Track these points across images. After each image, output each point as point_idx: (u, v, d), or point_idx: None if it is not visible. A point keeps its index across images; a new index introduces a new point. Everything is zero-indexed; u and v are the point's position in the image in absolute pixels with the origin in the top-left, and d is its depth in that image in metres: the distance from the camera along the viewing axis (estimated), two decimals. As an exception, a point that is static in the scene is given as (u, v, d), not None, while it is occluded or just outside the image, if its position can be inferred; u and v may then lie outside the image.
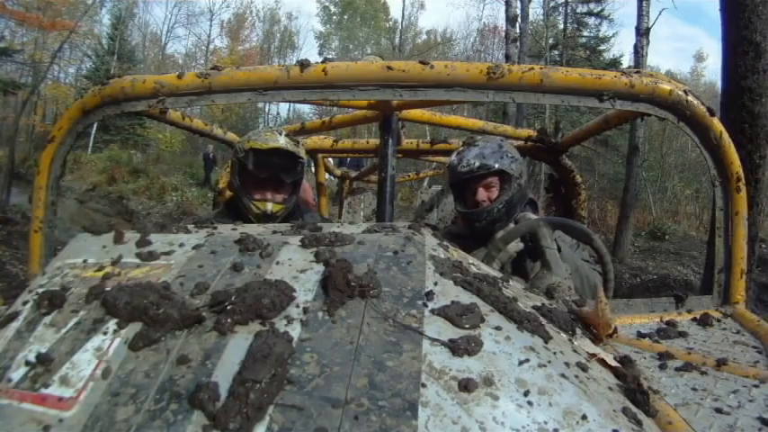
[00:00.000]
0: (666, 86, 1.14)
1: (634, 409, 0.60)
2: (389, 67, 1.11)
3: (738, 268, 1.22)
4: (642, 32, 9.22)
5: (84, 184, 15.85)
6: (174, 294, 0.66)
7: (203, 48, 28.17)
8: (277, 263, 0.73)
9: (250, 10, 29.57)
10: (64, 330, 0.65)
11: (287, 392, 0.52)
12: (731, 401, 0.73)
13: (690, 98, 1.15)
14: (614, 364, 0.71)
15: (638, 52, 9.32)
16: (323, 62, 1.14)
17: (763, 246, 7.62)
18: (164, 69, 21.24)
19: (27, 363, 0.61)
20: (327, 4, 28.92)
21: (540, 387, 0.55)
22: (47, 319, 0.67)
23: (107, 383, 0.56)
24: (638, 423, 0.57)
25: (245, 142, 1.57)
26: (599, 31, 16.50)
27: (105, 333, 0.63)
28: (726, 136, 1.20)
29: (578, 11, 16.41)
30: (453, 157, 1.54)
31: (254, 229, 0.88)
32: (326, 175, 3.41)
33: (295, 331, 0.59)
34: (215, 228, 0.90)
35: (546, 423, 0.51)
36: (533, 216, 1.55)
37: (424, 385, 0.53)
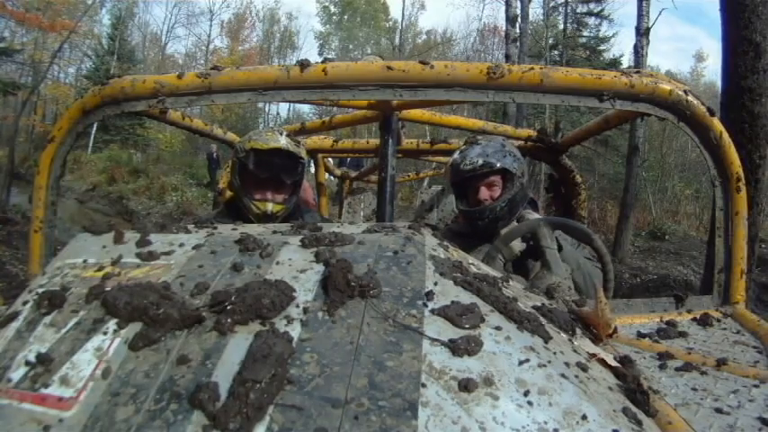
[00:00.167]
0: (666, 86, 1.14)
1: (634, 409, 0.60)
2: (389, 67, 1.12)
3: (738, 268, 1.22)
4: (642, 32, 9.22)
5: (84, 184, 15.86)
6: (174, 294, 0.66)
7: (203, 48, 28.20)
8: (277, 263, 0.73)
9: (250, 10, 29.60)
10: (64, 330, 0.65)
11: (287, 392, 0.52)
12: (731, 401, 0.73)
13: (690, 98, 1.16)
14: (614, 364, 0.71)
15: (638, 52, 9.32)
16: (323, 62, 1.14)
17: (763, 246, 7.62)
18: (164, 69, 21.24)
19: (27, 363, 0.61)
20: (327, 4, 28.94)
21: (540, 387, 0.55)
22: (47, 319, 0.67)
23: (107, 383, 0.56)
24: (638, 423, 0.57)
25: (245, 142, 1.57)
26: (599, 31, 16.52)
27: (105, 333, 0.63)
28: (726, 136, 1.20)
29: (578, 11, 16.41)
30: (456, 156, 1.54)
31: (254, 229, 0.88)
32: (326, 175, 3.41)
33: (295, 331, 0.59)
34: (215, 228, 0.90)
35: (546, 423, 0.51)
36: (535, 215, 1.56)
37: (424, 385, 0.53)
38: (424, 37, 29.08)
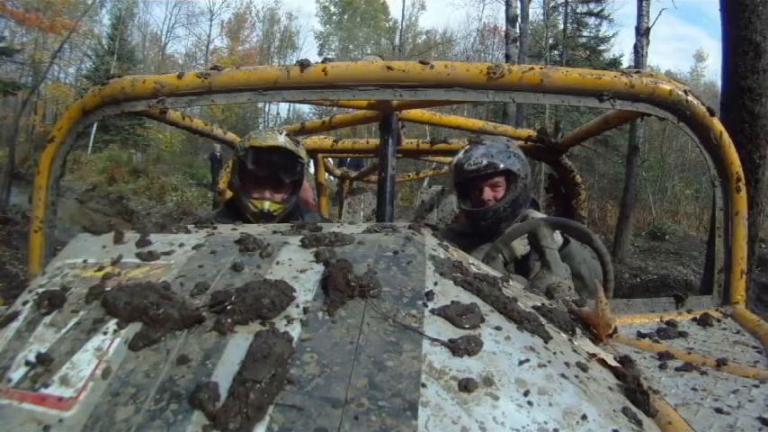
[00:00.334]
0: (666, 86, 1.14)
1: (634, 409, 0.60)
2: (389, 67, 1.11)
3: (738, 268, 1.22)
4: (642, 32, 9.22)
5: (84, 184, 15.87)
6: (174, 294, 0.66)
7: (203, 48, 28.21)
8: (277, 263, 0.73)
9: (250, 10, 29.61)
10: (64, 330, 0.65)
11: (287, 392, 0.52)
12: (731, 401, 0.73)
13: (690, 98, 1.16)
14: (614, 364, 0.71)
15: (638, 52, 9.32)
16: (323, 62, 1.14)
17: (763, 246, 7.63)
18: (164, 69, 21.22)
19: (27, 363, 0.61)
20: (327, 4, 28.94)
21: (540, 387, 0.55)
22: (47, 319, 0.67)
23: (107, 383, 0.56)
24: (638, 423, 0.57)
25: (245, 141, 1.57)
26: (599, 31, 16.51)
27: (105, 333, 0.63)
28: (726, 136, 1.20)
29: (578, 11, 16.40)
30: (460, 156, 1.54)
31: (254, 229, 0.88)
32: (326, 175, 3.41)
33: (295, 331, 0.59)
34: (215, 228, 0.90)
35: (546, 423, 0.51)
36: (539, 215, 1.56)
37: (423, 385, 0.53)
38: (424, 37, 29.10)
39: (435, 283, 0.68)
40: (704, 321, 1.11)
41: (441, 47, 25.91)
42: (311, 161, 3.17)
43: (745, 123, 3.21)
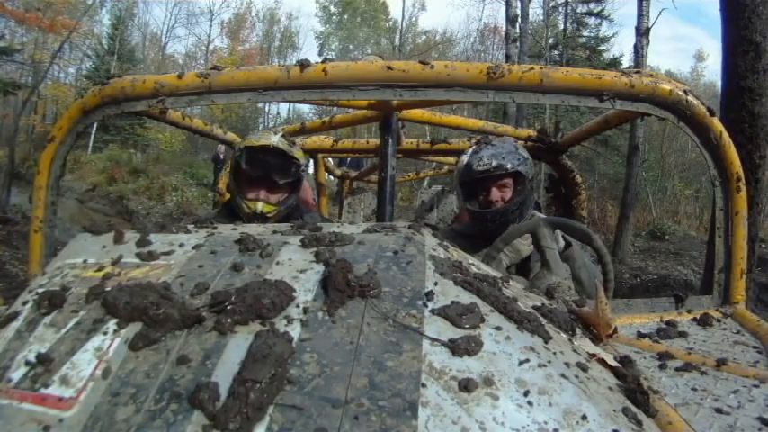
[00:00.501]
0: (666, 86, 1.14)
1: (634, 409, 0.60)
2: (389, 67, 1.11)
3: (738, 268, 1.22)
4: (642, 32, 9.22)
5: (84, 184, 15.86)
6: (174, 294, 0.66)
7: (203, 48, 28.21)
8: (277, 263, 0.73)
9: (250, 10, 29.61)
10: (64, 330, 0.65)
11: (287, 392, 0.52)
12: (731, 401, 0.73)
13: (690, 98, 1.15)
14: (614, 364, 0.71)
15: (638, 52, 9.32)
16: (323, 62, 1.14)
17: (763, 246, 7.63)
18: (164, 69, 21.22)
19: (27, 363, 0.61)
20: (327, 4, 28.95)
21: (540, 387, 0.55)
22: (47, 319, 0.67)
23: (107, 383, 0.56)
24: (638, 423, 0.57)
25: (242, 141, 1.57)
26: (599, 31, 16.51)
27: (105, 333, 0.63)
28: (726, 136, 1.20)
29: (578, 11, 16.40)
30: (468, 156, 1.53)
31: (254, 229, 0.88)
32: (326, 175, 3.41)
33: (295, 331, 0.59)
34: (215, 228, 0.90)
35: (546, 423, 0.51)
36: (541, 215, 1.56)
37: (423, 385, 0.53)
38: (424, 37, 29.11)
39: (435, 283, 0.68)
40: (704, 321, 1.11)
41: (441, 47, 25.92)
42: (311, 161, 3.17)
43: (745, 123, 3.21)
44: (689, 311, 1.18)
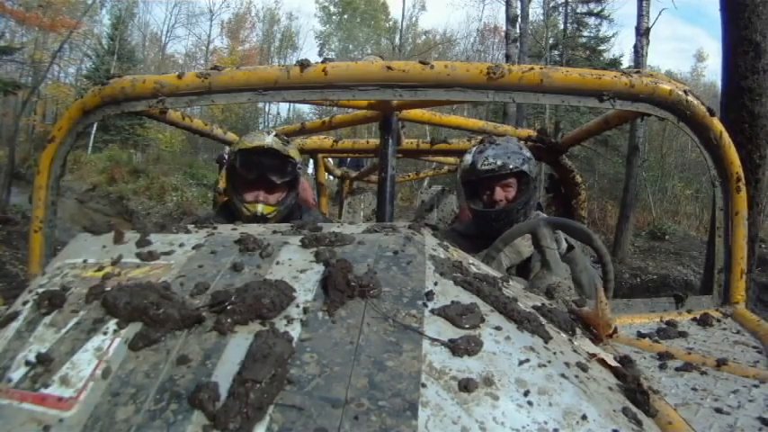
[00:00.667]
0: (666, 86, 1.14)
1: (634, 409, 0.60)
2: (389, 67, 1.11)
3: (738, 268, 1.22)
4: (642, 32, 9.22)
5: (84, 184, 15.88)
6: (174, 294, 0.66)
7: (203, 48, 28.21)
8: (277, 263, 0.73)
9: (250, 10, 29.61)
10: (64, 330, 0.65)
11: (287, 392, 0.52)
12: (731, 401, 0.73)
13: (690, 98, 1.15)
14: (614, 364, 0.71)
15: (638, 52, 9.32)
16: (323, 62, 1.14)
17: (763, 246, 7.63)
18: (164, 69, 21.22)
19: (27, 363, 0.61)
20: (327, 4, 28.94)
21: (540, 387, 0.55)
22: (47, 319, 0.67)
23: (107, 383, 0.56)
24: (638, 423, 0.57)
25: (236, 144, 1.55)
26: (599, 31, 16.52)
27: (105, 333, 0.63)
28: (726, 136, 1.20)
29: (578, 11, 16.42)
30: (472, 155, 1.52)
31: (254, 229, 0.88)
32: (326, 175, 3.41)
33: (295, 331, 0.59)
34: (215, 228, 0.90)
35: (546, 423, 0.51)
36: (542, 215, 1.56)
37: (424, 385, 0.53)
38: (424, 37, 29.10)
39: (435, 283, 0.68)
40: (704, 321, 1.11)
41: (441, 47, 25.91)
42: (311, 161, 3.17)
43: (745, 123, 3.21)
44: (689, 311, 1.18)
